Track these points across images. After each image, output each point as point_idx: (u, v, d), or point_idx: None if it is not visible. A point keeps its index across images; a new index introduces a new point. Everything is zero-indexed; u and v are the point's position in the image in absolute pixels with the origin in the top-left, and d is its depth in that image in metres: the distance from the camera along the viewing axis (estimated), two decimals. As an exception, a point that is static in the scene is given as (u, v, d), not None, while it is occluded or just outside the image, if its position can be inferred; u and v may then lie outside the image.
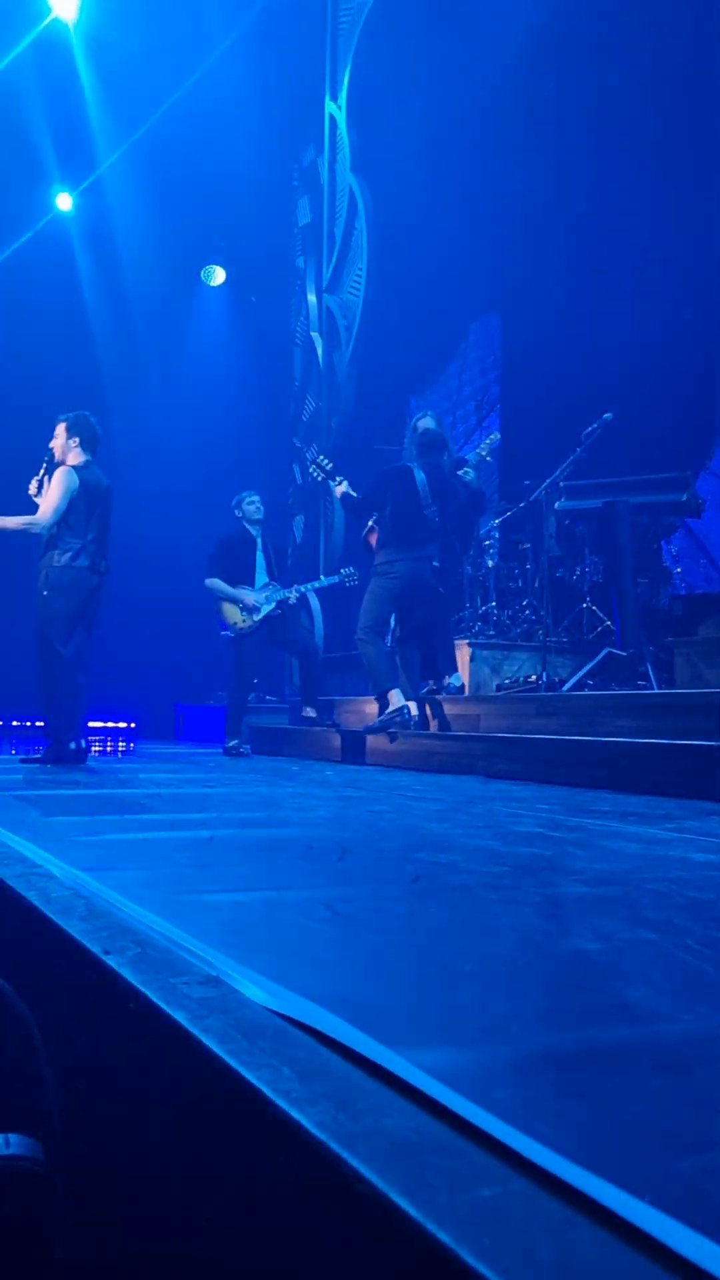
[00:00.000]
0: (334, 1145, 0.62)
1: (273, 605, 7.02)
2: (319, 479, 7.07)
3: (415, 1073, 0.74)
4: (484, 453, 7.03)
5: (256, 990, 0.96)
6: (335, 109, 10.44)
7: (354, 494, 6.53)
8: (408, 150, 9.53)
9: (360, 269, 10.00)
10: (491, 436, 7.16)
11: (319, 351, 10.83)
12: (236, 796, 3.60)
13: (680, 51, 7.06)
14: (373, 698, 6.52)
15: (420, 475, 6.34)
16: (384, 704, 6.14)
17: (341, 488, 6.60)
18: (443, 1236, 0.52)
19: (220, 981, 1.00)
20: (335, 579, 7.57)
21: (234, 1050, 0.79)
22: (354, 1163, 0.60)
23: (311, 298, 11.10)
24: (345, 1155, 0.61)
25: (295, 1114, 0.67)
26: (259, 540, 7.21)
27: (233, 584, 7.05)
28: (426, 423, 6.89)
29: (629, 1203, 0.55)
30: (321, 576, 7.55)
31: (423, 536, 6.32)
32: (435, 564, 6.46)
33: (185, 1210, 0.84)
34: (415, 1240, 0.53)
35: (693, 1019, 0.93)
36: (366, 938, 1.31)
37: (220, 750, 7.23)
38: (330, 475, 6.77)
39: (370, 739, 6.14)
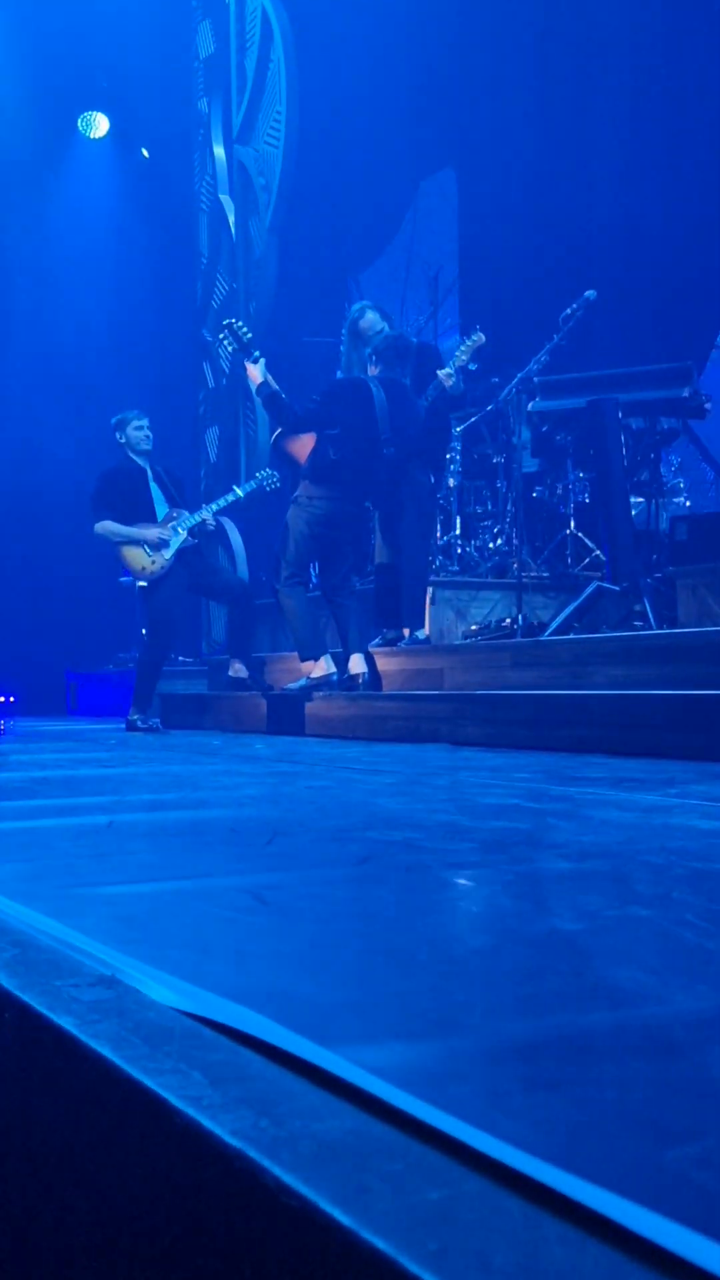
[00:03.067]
0: (252, 1153, 0.64)
1: (183, 535, 6.89)
2: (230, 349, 6.86)
3: (353, 1070, 0.76)
4: (464, 358, 6.62)
5: (163, 990, 0.98)
6: None
7: (279, 390, 6.25)
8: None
9: (279, 112, 9.85)
10: (475, 336, 6.61)
11: (230, 219, 10.68)
12: (143, 777, 3.61)
13: None
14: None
15: (380, 396, 6.12)
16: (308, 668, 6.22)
17: (257, 370, 6.28)
18: (379, 1244, 0.53)
19: (116, 982, 1.01)
20: (252, 485, 7.43)
21: (132, 1056, 0.81)
22: (276, 1171, 0.62)
23: (219, 150, 10.92)
24: (266, 1164, 0.63)
25: (208, 1123, 0.69)
26: (149, 470, 7.08)
27: (128, 524, 6.91)
28: (375, 319, 6.66)
29: (602, 1197, 0.57)
30: (235, 488, 7.40)
31: (365, 482, 6.22)
32: (367, 504, 6.44)
33: (89, 1235, 0.86)
34: (351, 1251, 0.55)
35: (688, 999, 0.96)
36: (301, 928, 1.33)
37: (122, 725, 7.21)
38: (246, 349, 6.40)
39: (309, 705, 6.17)
